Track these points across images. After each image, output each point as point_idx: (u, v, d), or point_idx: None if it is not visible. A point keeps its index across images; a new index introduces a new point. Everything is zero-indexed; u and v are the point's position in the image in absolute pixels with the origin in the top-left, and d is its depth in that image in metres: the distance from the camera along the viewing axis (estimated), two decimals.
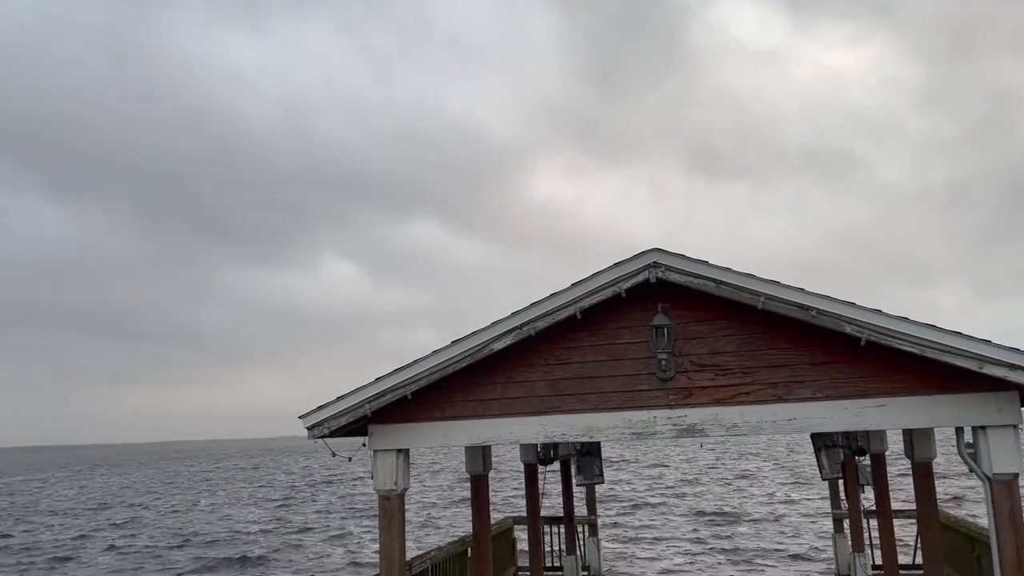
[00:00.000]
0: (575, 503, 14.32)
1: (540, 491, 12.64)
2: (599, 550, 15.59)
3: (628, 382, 7.25)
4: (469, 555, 12.05)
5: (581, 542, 14.93)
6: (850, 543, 13.18)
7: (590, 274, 7.22)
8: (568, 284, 7.29)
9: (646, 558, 22.64)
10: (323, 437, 7.84)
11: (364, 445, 8.07)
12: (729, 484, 46.96)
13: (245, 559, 27.32)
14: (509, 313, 7.42)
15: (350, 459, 8.54)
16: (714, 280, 6.89)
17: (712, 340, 7.17)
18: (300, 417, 7.76)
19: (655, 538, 26.47)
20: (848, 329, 6.59)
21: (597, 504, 16.29)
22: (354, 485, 61.73)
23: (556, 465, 13.31)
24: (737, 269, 6.93)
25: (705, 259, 7.02)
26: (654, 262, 7.02)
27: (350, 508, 43.98)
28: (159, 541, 33.17)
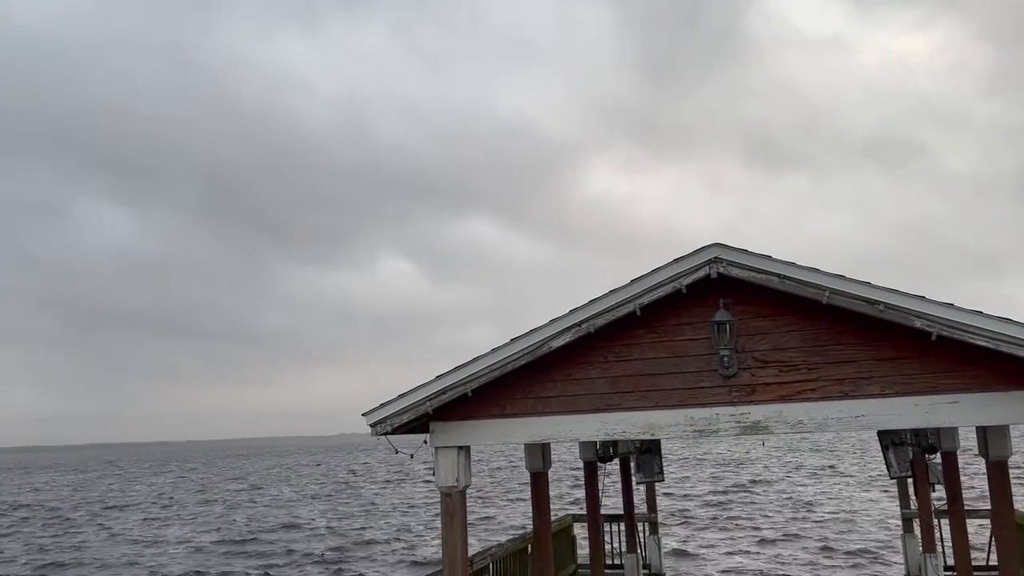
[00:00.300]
0: (634, 501, 14.24)
1: (600, 489, 12.60)
2: (660, 548, 15.48)
3: (689, 379, 7.18)
4: (529, 552, 12.08)
5: (642, 540, 14.85)
6: (920, 543, 12.83)
7: (649, 270, 7.17)
8: (627, 281, 7.25)
9: (708, 557, 22.38)
10: (385, 434, 7.95)
11: (425, 442, 8.15)
12: (795, 482, 46.10)
13: (310, 554, 27.86)
14: (568, 310, 7.42)
15: (412, 456, 8.64)
16: (778, 275, 6.78)
17: (776, 336, 7.06)
18: (363, 415, 7.88)
19: (718, 538, 26.14)
20: (918, 324, 6.42)
21: (657, 502, 16.18)
22: (414, 482, 62.42)
23: (614, 463, 13.25)
24: (801, 263, 6.81)
25: (767, 254, 6.91)
26: (715, 257, 6.94)
27: (411, 504, 44.50)
28: (225, 535, 34.03)
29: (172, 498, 58.65)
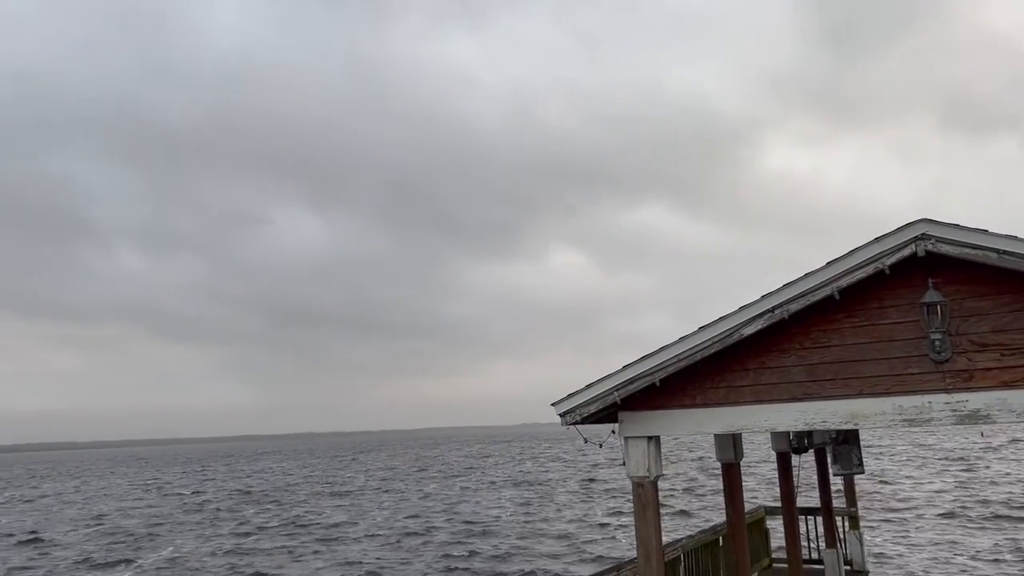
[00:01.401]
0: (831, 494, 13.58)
1: (795, 481, 12.11)
2: (862, 544, 14.63)
3: (897, 365, 6.70)
4: (720, 544, 11.81)
5: (841, 535, 14.12)
6: None
7: (847, 251, 6.77)
8: (813, 263, 6.91)
9: (918, 558, 20.89)
10: (574, 424, 8.02)
11: (613, 432, 8.15)
12: (1015, 476, 42.02)
13: (497, 540, 28.68)
14: (758, 296, 7.16)
15: (600, 445, 8.68)
16: (996, 250, 6.18)
17: (995, 317, 6.44)
18: (552, 404, 7.99)
19: (928, 537, 24.32)
20: None
21: (857, 496, 15.31)
22: (599, 471, 62.66)
23: (808, 454, 12.70)
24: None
25: (982, 228, 6.32)
26: (922, 234, 6.43)
27: (596, 493, 44.72)
28: (412, 524, 35.68)
29: (364, 486, 62.28)
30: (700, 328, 7.38)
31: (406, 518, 37.30)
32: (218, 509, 47.44)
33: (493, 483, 57.73)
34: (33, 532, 39.34)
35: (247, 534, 34.41)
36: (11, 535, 38.43)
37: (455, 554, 26.28)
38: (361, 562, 25.81)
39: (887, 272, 6.61)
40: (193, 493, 63.03)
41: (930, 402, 6.57)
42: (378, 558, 26.46)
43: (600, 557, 24.04)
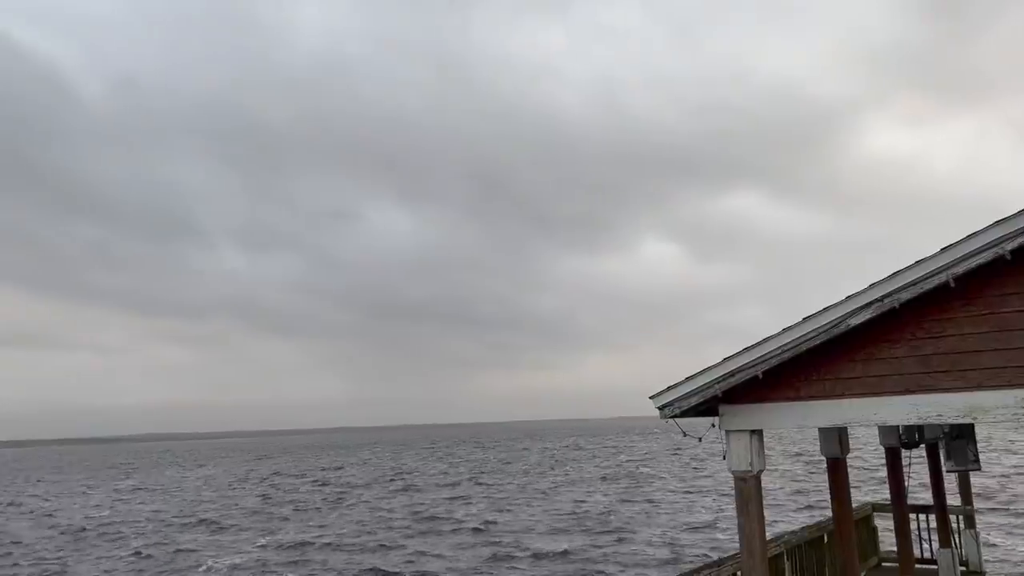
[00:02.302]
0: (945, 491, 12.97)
1: (906, 477, 11.65)
2: (979, 544, 13.93)
3: (1019, 356, 6.33)
4: (825, 541, 11.46)
5: (956, 534, 13.48)
6: None
7: (964, 236, 6.43)
8: (934, 249, 6.56)
9: None
10: (674, 417, 7.90)
11: (713, 425, 8.00)
12: None
13: (594, 534, 28.63)
14: (866, 285, 6.89)
15: (699, 440, 8.55)
16: None
17: None
18: (650, 397, 7.90)
19: None
20: None
21: (973, 493, 14.57)
22: (695, 467, 61.72)
23: (919, 449, 12.18)
24: None
25: None
26: None
27: (694, 488, 44.08)
28: (514, 519, 35.93)
29: (462, 478, 63.15)
30: (805, 319, 7.16)
31: (496, 509, 37.67)
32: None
33: (588, 476, 57.63)
34: (156, 512, 41.62)
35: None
36: (139, 521, 40.78)
37: (546, 550, 26.36)
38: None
39: (1008, 258, 6.26)
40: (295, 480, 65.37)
41: None
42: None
43: (699, 553, 23.71)
